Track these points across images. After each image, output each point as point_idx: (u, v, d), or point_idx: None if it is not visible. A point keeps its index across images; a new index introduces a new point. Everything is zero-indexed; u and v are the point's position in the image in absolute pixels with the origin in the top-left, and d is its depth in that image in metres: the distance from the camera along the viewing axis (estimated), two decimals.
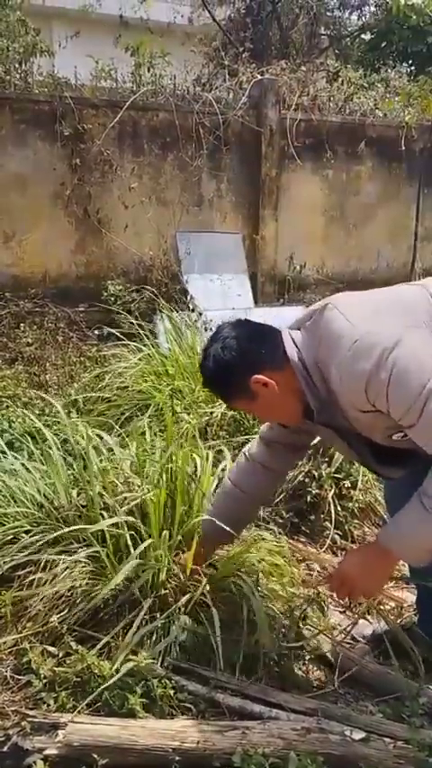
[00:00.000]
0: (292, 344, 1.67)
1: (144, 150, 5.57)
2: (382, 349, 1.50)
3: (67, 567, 1.99)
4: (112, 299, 5.14)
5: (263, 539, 2.33)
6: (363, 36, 9.44)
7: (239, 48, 7.73)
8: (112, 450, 2.45)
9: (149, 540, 1.96)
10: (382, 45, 8.85)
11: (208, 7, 8.78)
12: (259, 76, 6.00)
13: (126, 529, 2.01)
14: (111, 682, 1.69)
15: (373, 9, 9.45)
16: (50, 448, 2.44)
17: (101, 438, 2.53)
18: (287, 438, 1.95)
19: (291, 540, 2.57)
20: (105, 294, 5.19)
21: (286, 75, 6.28)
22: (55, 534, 2.07)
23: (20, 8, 6.08)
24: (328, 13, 9.44)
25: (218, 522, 1.92)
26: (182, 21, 9.28)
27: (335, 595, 1.95)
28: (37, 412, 3.16)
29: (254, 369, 1.65)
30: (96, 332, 4.88)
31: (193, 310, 4.73)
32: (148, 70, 5.81)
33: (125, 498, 2.12)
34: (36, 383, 4.00)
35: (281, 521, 2.67)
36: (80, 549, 2.04)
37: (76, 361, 4.44)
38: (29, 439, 2.79)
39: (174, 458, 2.17)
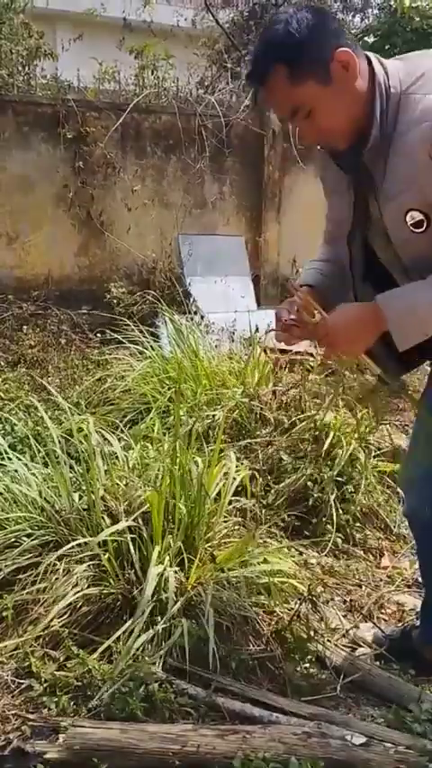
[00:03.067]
0: (380, 66, 1.51)
1: (147, 153, 5.58)
2: None
3: (69, 571, 1.99)
4: (115, 301, 5.15)
5: (264, 541, 2.33)
6: (366, 39, 9.42)
7: (242, 50, 7.72)
8: (116, 452, 2.45)
9: (156, 549, 1.95)
10: (386, 48, 8.83)
11: (211, 10, 8.77)
12: None
13: (128, 532, 2.02)
14: (111, 686, 1.69)
15: (376, 12, 9.45)
16: (54, 449, 2.43)
17: (105, 438, 2.52)
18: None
19: (292, 544, 2.57)
20: (108, 297, 5.20)
21: None
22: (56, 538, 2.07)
23: (23, 11, 6.09)
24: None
25: (319, 271, 1.83)
26: (185, 24, 9.28)
27: (318, 346, 1.83)
28: (39, 414, 3.16)
29: (339, 41, 1.47)
30: (99, 335, 4.88)
31: (195, 313, 4.73)
32: (152, 73, 5.83)
33: (128, 502, 2.12)
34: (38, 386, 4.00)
35: (282, 524, 2.67)
36: (81, 553, 2.04)
37: (79, 363, 4.45)
38: (31, 441, 2.79)
39: (178, 460, 2.17)
